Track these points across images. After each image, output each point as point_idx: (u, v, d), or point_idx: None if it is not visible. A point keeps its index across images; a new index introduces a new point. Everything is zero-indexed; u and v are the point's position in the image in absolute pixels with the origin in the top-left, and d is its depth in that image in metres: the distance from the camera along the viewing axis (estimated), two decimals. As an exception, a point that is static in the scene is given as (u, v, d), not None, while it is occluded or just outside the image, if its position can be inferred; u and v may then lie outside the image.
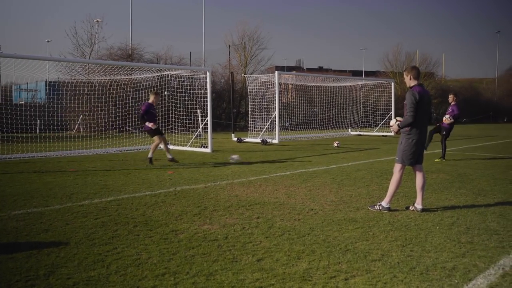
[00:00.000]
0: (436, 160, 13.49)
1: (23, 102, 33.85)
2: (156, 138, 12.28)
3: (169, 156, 12.39)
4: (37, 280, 4.15)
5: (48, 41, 66.65)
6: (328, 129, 27.98)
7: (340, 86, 29.68)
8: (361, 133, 27.80)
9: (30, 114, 20.83)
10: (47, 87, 30.28)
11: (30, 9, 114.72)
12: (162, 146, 12.53)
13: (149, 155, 12.28)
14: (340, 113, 30.19)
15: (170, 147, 17.14)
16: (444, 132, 13.72)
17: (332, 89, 29.29)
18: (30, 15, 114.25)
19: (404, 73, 7.14)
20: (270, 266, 4.56)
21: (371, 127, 28.67)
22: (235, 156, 12.85)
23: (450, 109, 13.73)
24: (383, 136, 25.32)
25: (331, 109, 29.40)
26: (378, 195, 8.13)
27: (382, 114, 28.12)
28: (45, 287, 4.01)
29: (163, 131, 16.88)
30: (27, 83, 39.73)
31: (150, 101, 12.38)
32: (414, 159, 6.95)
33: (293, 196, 8.12)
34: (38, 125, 22.55)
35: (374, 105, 29.26)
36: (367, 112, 29.25)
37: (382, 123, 27.44)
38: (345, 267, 4.54)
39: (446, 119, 13.58)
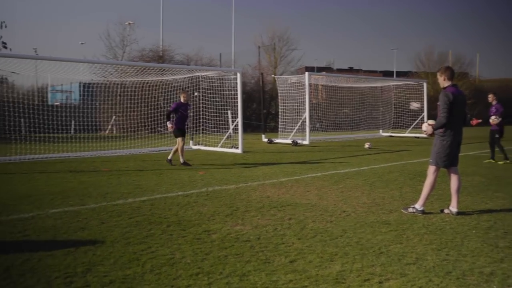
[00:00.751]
0: (499, 162, 13.09)
1: (58, 103, 34.64)
2: (179, 140, 12.34)
3: (169, 157, 12.56)
4: (75, 277, 4.25)
5: (81, 44, 68.24)
6: (359, 130, 27.72)
7: (371, 86, 29.37)
8: (393, 135, 27.44)
9: (65, 115, 21.31)
10: (81, 89, 30.93)
11: (64, 12, 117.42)
12: (175, 147, 12.59)
13: (181, 160, 12.44)
14: (371, 114, 29.86)
15: (201, 147, 17.36)
16: (497, 135, 13.27)
17: (363, 90, 29.01)
18: (64, 18, 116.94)
19: (438, 73, 7.02)
20: (303, 267, 4.55)
21: (403, 128, 28.28)
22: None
23: (493, 108, 13.32)
24: (415, 137, 24.92)
25: (362, 110, 29.12)
26: (412, 197, 8.01)
27: (414, 115, 27.69)
28: (83, 284, 4.11)
29: (194, 132, 17.12)
30: (61, 85, 40.62)
31: (182, 100, 12.49)
32: (448, 161, 6.82)
33: (325, 197, 8.08)
34: (72, 126, 23.05)
35: (406, 106, 28.82)
36: (398, 113, 28.84)
37: (414, 124, 27.04)
38: (379, 270, 4.49)
39: (493, 120, 13.11)
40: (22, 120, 18.97)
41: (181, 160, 12.40)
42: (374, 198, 8.04)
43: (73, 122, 23.11)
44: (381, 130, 28.73)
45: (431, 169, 6.89)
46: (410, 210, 6.91)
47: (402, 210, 7.01)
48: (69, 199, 7.83)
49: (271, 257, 4.86)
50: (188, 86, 19.86)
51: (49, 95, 40.12)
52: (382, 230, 5.91)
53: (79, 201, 7.71)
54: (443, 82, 6.90)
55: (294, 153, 16.50)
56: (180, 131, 12.37)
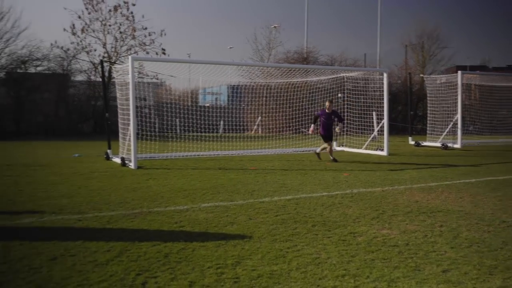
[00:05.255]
0: None
1: (208, 105, 36.82)
2: (326, 144, 13.92)
3: (331, 157, 13.93)
4: (226, 269, 4.45)
5: (230, 48, 71.51)
6: (519, 134, 25.20)
7: (535, 85, 26.51)
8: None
9: (214, 115, 22.56)
10: (229, 90, 32.50)
11: (214, 19, 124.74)
12: (327, 149, 13.99)
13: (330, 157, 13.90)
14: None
15: (345, 149, 17.24)
16: None
17: (525, 89, 26.30)
18: (214, 25, 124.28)
19: None
20: (458, 279, 4.24)
21: None
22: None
23: None
24: None
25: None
26: None
27: None
28: (233, 276, 4.28)
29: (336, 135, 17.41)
30: (211, 87, 43.13)
31: (326, 109, 14.00)
32: None
33: (480, 205, 7.47)
34: (221, 126, 24.29)
35: None
36: None
37: None
38: (549, 288, 4.02)
39: None
40: (177, 120, 20.53)
41: (331, 157, 13.94)
42: (540, 208, 7.23)
43: (221, 122, 24.33)
44: (546, 134, 25.83)
45: None
46: None
47: None
48: (219, 195, 8.25)
49: (421, 264, 4.61)
50: (332, 87, 19.78)
51: (200, 96, 42.82)
52: (550, 245, 5.28)
53: (228, 196, 8.09)
54: None
55: (444, 157, 15.55)
56: (323, 136, 14.10)
